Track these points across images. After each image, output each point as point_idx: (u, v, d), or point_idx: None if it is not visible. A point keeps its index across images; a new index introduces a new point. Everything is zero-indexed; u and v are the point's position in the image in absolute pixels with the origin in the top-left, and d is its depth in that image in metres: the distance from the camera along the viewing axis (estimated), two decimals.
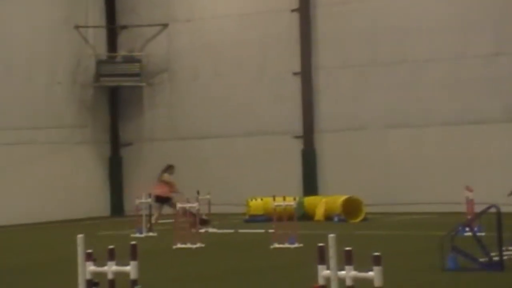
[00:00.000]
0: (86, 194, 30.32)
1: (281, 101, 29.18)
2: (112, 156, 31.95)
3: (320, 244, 5.68)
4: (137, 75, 31.17)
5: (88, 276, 6.16)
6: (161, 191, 22.51)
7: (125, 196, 31.31)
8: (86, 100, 31.18)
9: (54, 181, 29.43)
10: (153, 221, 21.88)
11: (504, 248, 12.23)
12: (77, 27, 30.55)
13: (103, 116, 31.63)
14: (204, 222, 21.14)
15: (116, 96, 32.02)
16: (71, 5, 30.42)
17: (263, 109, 29.48)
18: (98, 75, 31.08)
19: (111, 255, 6.07)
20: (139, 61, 31.30)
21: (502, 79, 25.71)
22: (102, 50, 31.55)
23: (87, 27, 30.91)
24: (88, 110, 31.17)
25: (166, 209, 22.44)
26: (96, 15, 31.27)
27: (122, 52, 31.64)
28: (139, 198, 21.80)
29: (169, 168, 23.20)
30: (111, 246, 6.10)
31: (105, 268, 6.10)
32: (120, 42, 31.94)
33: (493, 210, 12.48)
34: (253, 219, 24.55)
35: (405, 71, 27.21)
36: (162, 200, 22.43)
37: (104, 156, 31.74)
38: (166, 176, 22.86)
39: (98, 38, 31.37)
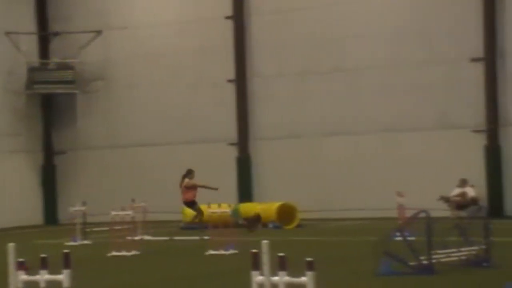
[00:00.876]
0: (19, 203, 29.84)
1: (217, 108, 29.22)
2: (45, 164, 31.51)
3: (254, 250, 5.72)
4: (71, 82, 30.82)
5: (20, 286, 6.07)
6: (186, 197, 23.75)
7: (59, 205, 30.93)
8: (19, 108, 30.69)
9: None
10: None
11: (433, 252, 12.45)
12: (8, 33, 30.07)
13: (37, 124, 31.18)
14: (253, 223, 22.65)
15: (50, 104, 31.61)
16: (1, 11, 29.92)
17: (200, 116, 29.47)
18: (31, 83, 30.64)
19: (44, 264, 6.00)
20: (72, 68, 30.95)
21: (436, 86, 26.21)
22: (34, 57, 31.11)
23: (19, 33, 30.44)
24: (21, 118, 30.68)
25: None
26: (28, 21, 30.82)
27: (55, 59, 31.25)
28: (73, 206, 21.55)
29: (188, 173, 24.05)
30: (43, 255, 6.03)
31: (38, 277, 6.02)
32: (53, 49, 31.55)
33: (423, 215, 12.72)
34: (189, 227, 24.49)
35: (341, 79, 27.52)
36: (189, 205, 23.76)
37: (37, 165, 31.28)
38: (186, 182, 23.79)
39: (30, 45, 30.93)
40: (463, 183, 25.34)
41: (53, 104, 31.67)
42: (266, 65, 28.62)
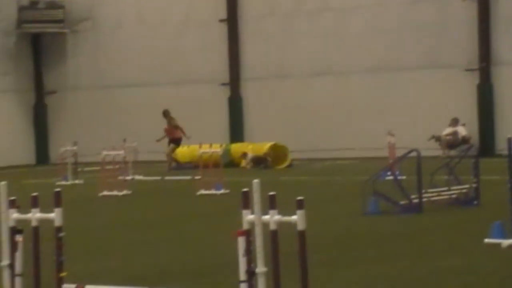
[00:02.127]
0: (10, 143, 29.83)
1: (207, 49, 29.04)
2: (36, 104, 31.42)
3: (245, 190, 5.74)
4: (60, 21, 30.55)
5: (12, 224, 6.10)
6: (178, 135, 24.98)
7: (50, 145, 30.95)
8: (8, 48, 30.45)
9: None
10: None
11: (423, 191, 12.56)
12: None
13: (26, 63, 30.99)
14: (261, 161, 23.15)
15: (39, 43, 31.37)
16: None
17: (189, 57, 29.31)
18: (20, 22, 30.34)
19: (35, 202, 6.03)
20: (62, 7, 30.64)
21: (423, 25, 26.07)
22: None
23: None
24: (10, 57, 30.47)
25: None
26: None
27: None
28: (64, 146, 21.57)
29: (168, 113, 25.26)
30: (34, 193, 6.05)
31: (29, 215, 6.05)
32: None
33: (413, 154, 12.79)
34: (180, 167, 24.57)
35: (329, 19, 27.35)
36: (179, 142, 24.96)
37: (28, 104, 31.19)
38: (174, 120, 25.05)
39: None
40: (455, 122, 25.43)
41: (42, 43, 31.44)
42: (256, 5, 28.38)
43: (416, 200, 12.40)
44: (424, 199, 12.53)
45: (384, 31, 26.64)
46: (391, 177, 13.35)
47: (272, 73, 28.27)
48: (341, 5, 27.15)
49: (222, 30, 28.83)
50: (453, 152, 23.11)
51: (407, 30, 26.30)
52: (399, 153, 16.91)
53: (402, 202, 12.44)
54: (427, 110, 25.99)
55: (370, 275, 7.95)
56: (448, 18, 25.88)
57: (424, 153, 13.18)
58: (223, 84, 28.90)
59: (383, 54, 26.72)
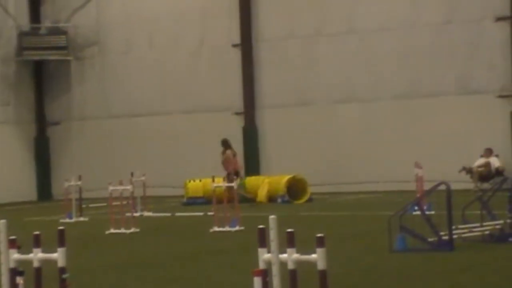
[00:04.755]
0: (11, 178, 29.98)
1: (220, 75, 29.19)
2: (38, 136, 31.61)
3: (261, 226, 5.75)
4: (63, 48, 30.82)
5: (12, 265, 6.13)
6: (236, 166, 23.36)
7: (53, 179, 31.07)
8: (8, 76, 30.72)
9: None
10: None
11: (454, 227, 12.49)
12: None
13: (27, 93, 31.23)
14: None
15: (41, 71, 31.64)
16: None
17: (201, 84, 29.46)
18: (21, 48, 30.64)
19: (37, 242, 6.06)
20: (65, 33, 30.93)
21: (457, 48, 26.09)
22: (24, 21, 31.07)
23: None
24: (10, 86, 30.73)
25: None
26: None
27: (46, 23, 31.21)
28: (68, 181, 21.65)
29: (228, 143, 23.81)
30: (36, 232, 6.09)
31: (31, 256, 6.08)
32: (44, 12, 31.52)
33: (443, 187, 12.73)
34: (192, 202, 24.60)
35: (353, 42, 27.43)
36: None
37: (29, 137, 31.38)
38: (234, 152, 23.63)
39: (20, 8, 30.88)
40: (488, 152, 25.29)
41: (44, 72, 31.70)
42: (273, 28, 28.53)
43: (446, 237, 12.33)
44: (455, 236, 12.45)
45: (411, 54, 26.68)
46: (419, 212, 13.29)
47: (291, 101, 28.33)
48: (366, 27, 27.23)
49: (236, 55, 28.98)
50: (486, 185, 23.01)
51: (437, 53, 26.32)
52: (427, 186, 16.85)
53: (431, 239, 12.37)
54: (457, 139, 25.92)
55: None
56: (480, 40, 25.87)
57: (454, 186, 13.13)
58: (237, 113, 28.99)
59: (410, 79, 26.72)
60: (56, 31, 31.09)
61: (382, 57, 27.12)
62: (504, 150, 25.37)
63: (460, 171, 24.57)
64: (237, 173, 22.97)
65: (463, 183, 23.16)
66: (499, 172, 24.99)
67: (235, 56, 28.98)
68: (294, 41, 28.27)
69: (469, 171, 24.98)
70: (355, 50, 27.47)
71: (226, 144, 23.56)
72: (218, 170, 22.13)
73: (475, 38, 25.96)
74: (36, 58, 30.91)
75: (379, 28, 27.09)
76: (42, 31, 31.24)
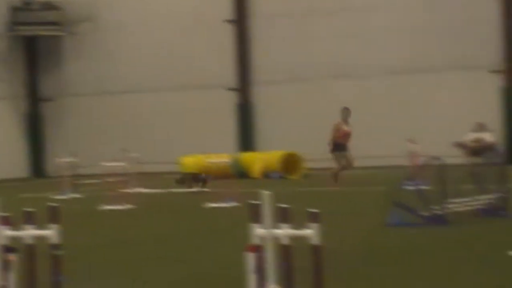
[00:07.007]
0: (3, 154, 29.92)
1: (214, 51, 29.11)
2: (30, 112, 31.52)
3: (255, 202, 5.74)
4: (56, 23, 30.67)
5: (4, 242, 6.10)
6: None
7: (46, 156, 31.04)
8: (0, 52, 30.57)
9: None
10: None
11: (447, 201, 12.52)
12: None
13: (20, 69, 31.11)
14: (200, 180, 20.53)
15: (34, 47, 31.50)
16: None
17: (196, 60, 29.39)
18: (13, 24, 30.48)
19: (29, 218, 6.03)
20: (58, 8, 30.77)
21: (449, 25, 26.05)
22: None
23: None
24: (2, 62, 30.59)
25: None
26: None
27: None
28: (61, 157, 21.61)
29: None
30: (29, 209, 6.06)
31: (23, 233, 6.05)
32: None
33: (436, 162, 12.74)
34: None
35: (348, 18, 27.36)
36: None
37: (22, 113, 31.29)
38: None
39: None
40: (480, 127, 25.30)
41: (37, 48, 31.57)
42: (267, 4, 28.42)
43: (438, 211, 12.36)
44: (448, 210, 12.48)
45: (406, 31, 26.61)
46: (412, 187, 13.31)
47: (286, 77, 28.29)
48: (360, 4, 27.16)
49: (230, 31, 28.88)
50: (478, 160, 23.02)
51: (429, 30, 26.30)
52: (420, 161, 16.87)
53: (424, 213, 12.40)
54: (449, 114, 25.96)
55: None
56: (471, 17, 25.83)
57: (447, 160, 13.14)
58: (231, 89, 28.93)
59: (403, 55, 26.70)
60: (49, 6, 30.93)
61: (376, 33, 27.06)
62: (494, 124, 25.40)
63: (452, 146, 24.58)
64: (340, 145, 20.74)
65: (456, 157, 23.17)
66: (491, 146, 25.00)
67: (229, 32, 28.87)
68: (289, 17, 28.17)
69: (461, 146, 24.99)
70: (349, 26, 27.41)
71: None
72: (213, 146, 22.11)
73: (467, 14, 25.90)
74: (29, 33, 30.77)
75: (373, 5, 27.01)
76: (34, 6, 31.07)
